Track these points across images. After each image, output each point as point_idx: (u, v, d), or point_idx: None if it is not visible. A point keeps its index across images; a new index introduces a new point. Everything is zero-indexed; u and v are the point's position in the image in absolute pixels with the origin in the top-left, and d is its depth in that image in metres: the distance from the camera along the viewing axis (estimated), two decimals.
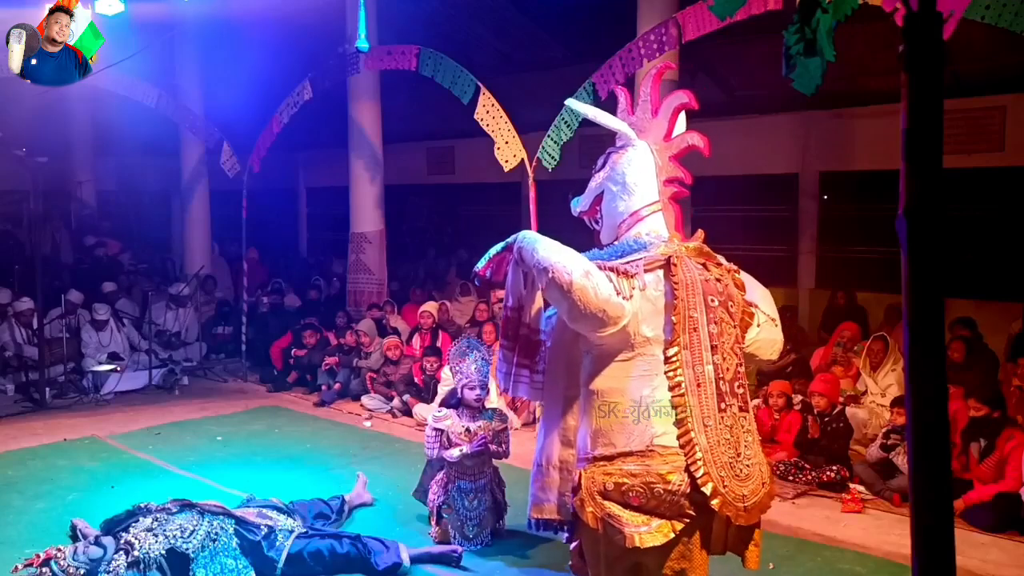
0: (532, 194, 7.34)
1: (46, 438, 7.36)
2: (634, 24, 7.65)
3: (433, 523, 5.19)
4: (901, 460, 5.87)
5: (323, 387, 9.03)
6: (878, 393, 6.96)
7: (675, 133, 3.60)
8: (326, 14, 9.72)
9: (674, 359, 3.20)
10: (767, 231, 10.36)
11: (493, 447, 5.07)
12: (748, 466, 3.20)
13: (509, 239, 3.50)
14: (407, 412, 8.17)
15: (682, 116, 3.66)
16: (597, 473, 3.22)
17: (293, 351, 9.49)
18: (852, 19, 1.79)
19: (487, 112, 7.37)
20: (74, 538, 4.81)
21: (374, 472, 6.22)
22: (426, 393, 8.16)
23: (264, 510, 4.90)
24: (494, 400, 5.99)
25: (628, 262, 3.35)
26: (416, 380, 8.38)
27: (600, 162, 3.76)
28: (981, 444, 5.77)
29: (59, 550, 4.43)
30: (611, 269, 3.29)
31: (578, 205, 3.86)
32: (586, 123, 3.73)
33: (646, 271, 3.30)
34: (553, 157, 7.08)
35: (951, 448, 5.12)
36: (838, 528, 5.47)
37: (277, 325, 10.33)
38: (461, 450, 5.02)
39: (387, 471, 6.48)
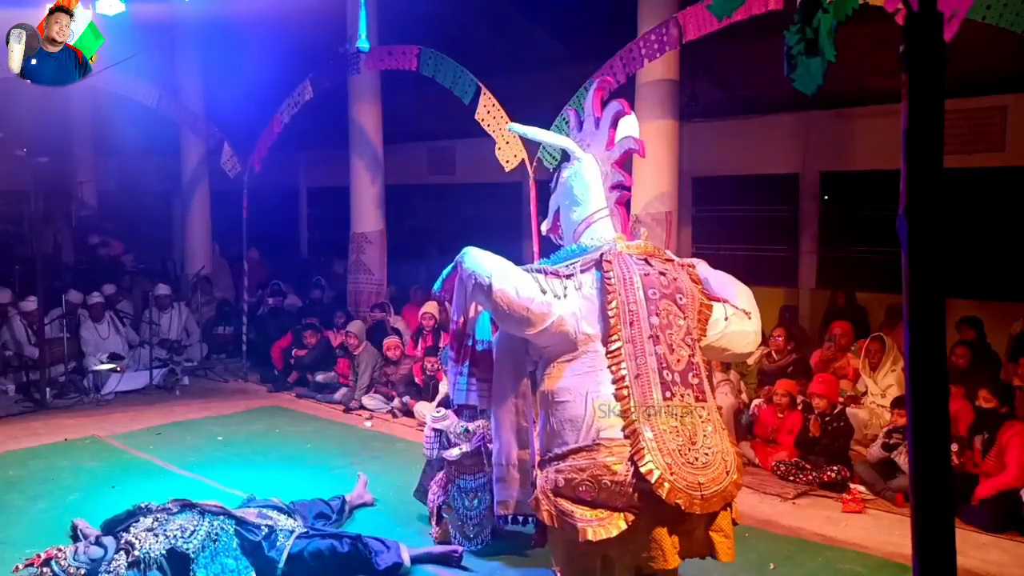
0: (533, 194, 7.33)
1: (47, 438, 7.36)
2: (634, 24, 7.63)
3: (433, 523, 5.18)
4: (903, 460, 5.86)
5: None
6: (878, 393, 6.95)
7: (618, 139, 3.72)
8: (326, 14, 9.71)
9: (616, 353, 3.29)
10: (768, 231, 10.34)
11: (492, 445, 5.06)
12: (707, 454, 3.19)
13: (457, 257, 3.59)
14: (408, 412, 8.18)
15: (633, 123, 3.75)
16: (550, 472, 3.32)
17: (294, 351, 9.50)
18: (853, 19, 1.79)
19: (488, 112, 7.36)
20: (75, 538, 4.81)
21: (375, 472, 6.22)
22: (426, 393, 8.16)
23: (265, 510, 4.90)
24: None
25: (566, 264, 3.51)
26: (416, 380, 8.38)
27: (553, 182, 3.94)
28: (984, 437, 5.76)
29: (60, 550, 4.44)
30: (540, 271, 3.45)
31: (544, 225, 4.03)
32: None
33: (583, 271, 3.46)
34: (554, 157, 7.06)
35: (952, 447, 5.12)
36: (839, 528, 5.47)
37: (277, 325, 10.34)
38: (460, 449, 5.02)
39: (388, 471, 6.48)
